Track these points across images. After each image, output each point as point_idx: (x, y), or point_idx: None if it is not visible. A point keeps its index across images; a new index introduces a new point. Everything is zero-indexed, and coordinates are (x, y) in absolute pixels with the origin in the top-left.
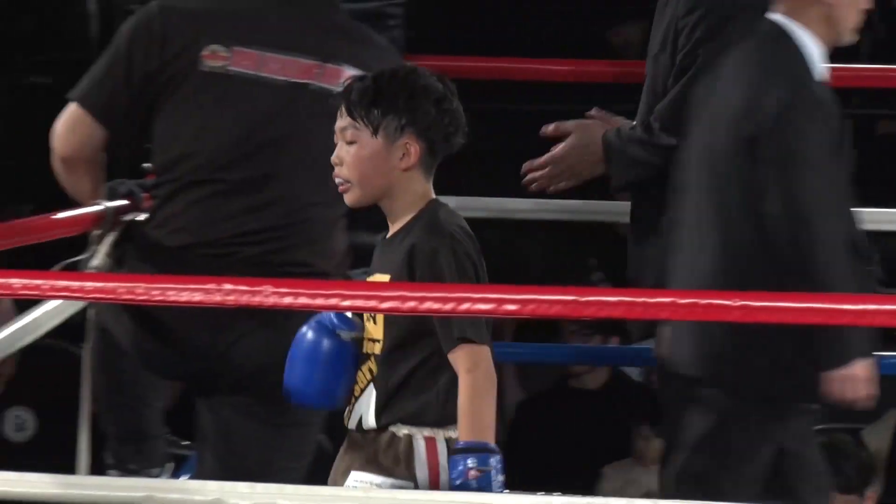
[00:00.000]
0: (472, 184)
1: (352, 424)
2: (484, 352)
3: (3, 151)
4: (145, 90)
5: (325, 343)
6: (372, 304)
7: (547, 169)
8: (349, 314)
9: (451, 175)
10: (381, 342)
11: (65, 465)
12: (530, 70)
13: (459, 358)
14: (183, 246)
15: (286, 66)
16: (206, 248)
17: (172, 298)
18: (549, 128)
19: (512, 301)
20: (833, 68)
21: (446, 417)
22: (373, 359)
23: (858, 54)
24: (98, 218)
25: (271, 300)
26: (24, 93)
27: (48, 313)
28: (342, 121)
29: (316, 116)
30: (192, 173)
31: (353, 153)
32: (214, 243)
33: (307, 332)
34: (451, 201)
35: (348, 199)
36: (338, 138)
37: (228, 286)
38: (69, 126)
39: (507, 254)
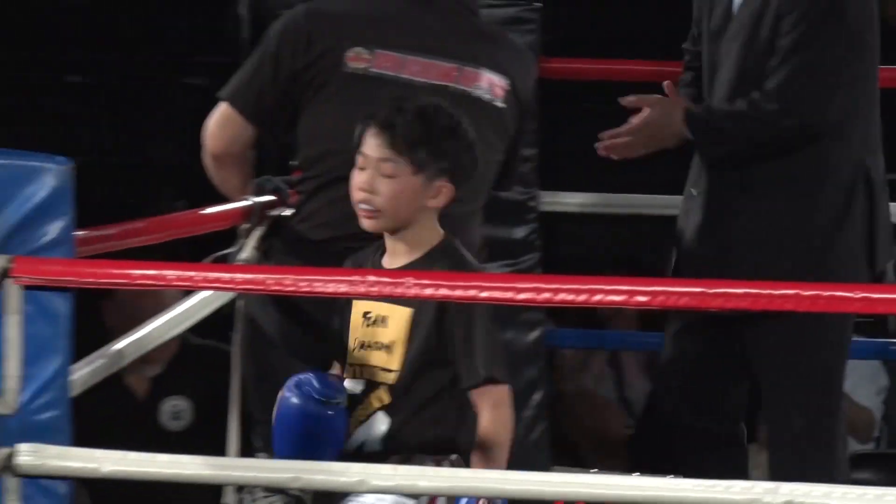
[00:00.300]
0: (604, 181)
1: (350, 448)
2: (507, 392)
3: (162, 151)
4: (291, 89)
5: (317, 415)
6: (508, 295)
7: (623, 139)
8: (330, 376)
9: (588, 173)
10: (398, 372)
11: (219, 454)
12: (660, 73)
13: (484, 396)
14: (326, 239)
15: (426, 69)
16: (349, 241)
17: (319, 289)
18: (631, 98)
19: (642, 292)
20: None
21: (453, 446)
22: (384, 388)
23: None
24: (246, 213)
25: (413, 291)
26: (179, 93)
27: (199, 303)
28: (382, 151)
29: None
30: (335, 170)
31: (390, 187)
32: (356, 237)
33: (293, 406)
34: (593, 199)
35: (371, 225)
36: (370, 165)
37: (372, 278)
38: (220, 124)
39: (658, 248)
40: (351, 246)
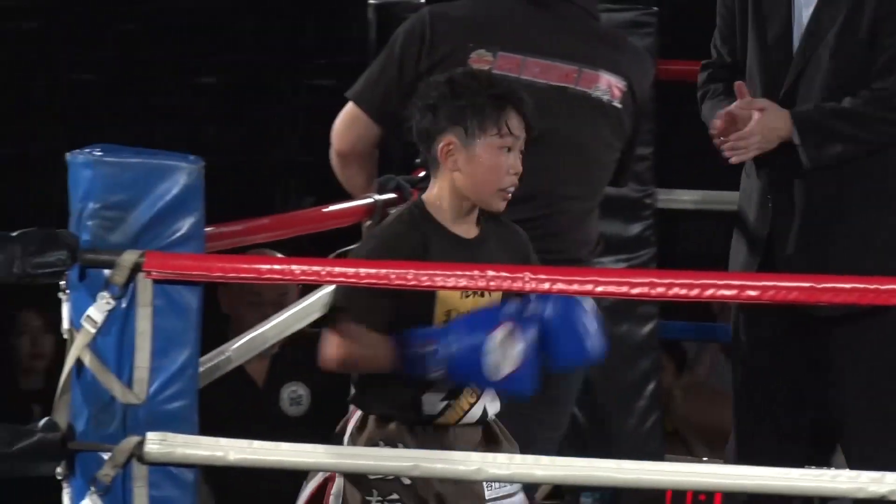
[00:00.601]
0: (719, 179)
1: (472, 418)
2: None
3: (291, 150)
4: (415, 90)
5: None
6: (623, 289)
7: (737, 141)
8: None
9: (703, 171)
10: None
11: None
12: None
13: None
14: None
15: (547, 70)
16: None
17: (440, 284)
18: (744, 102)
19: (753, 287)
20: None
21: None
22: None
23: None
24: (369, 210)
25: (530, 286)
26: (308, 94)
27: (323, 297)
28: (523, 131)
29: (574, 118)
30: None
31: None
32: None
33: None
34: (706, 196)
35: (505, 207)
36: (517, 146)
37: (491, 272)
38: (346, 123)
39: None
40: None
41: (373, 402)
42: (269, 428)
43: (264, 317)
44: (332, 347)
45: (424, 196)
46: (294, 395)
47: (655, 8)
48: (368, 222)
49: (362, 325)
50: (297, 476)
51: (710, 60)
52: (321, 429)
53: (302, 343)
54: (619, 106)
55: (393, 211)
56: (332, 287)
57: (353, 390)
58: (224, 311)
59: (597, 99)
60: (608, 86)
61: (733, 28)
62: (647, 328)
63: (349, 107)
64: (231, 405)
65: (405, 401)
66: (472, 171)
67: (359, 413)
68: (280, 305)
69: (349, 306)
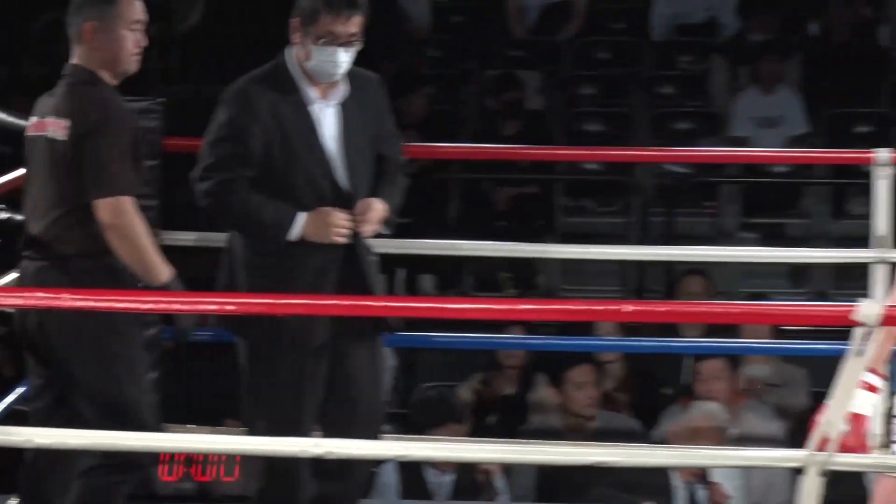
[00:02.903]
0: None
1: None
2: None
3: None
4: None
5: None
6: (136, 305)
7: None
8: None
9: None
10: None
11: None
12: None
13: None
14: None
15: (34, 124)
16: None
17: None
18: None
19: (231, 303)
20: None
21: None
22: None
23: None
24: None
25: (68, 303)
26: None
27: None
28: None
29: (37, 155)
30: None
31: None
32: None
33: None
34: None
35: None
36: None
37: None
38: None
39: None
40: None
41: None
42: None
43: None
44: None
45: None
46: None
47: (161, 99)
48: None
49: None
50: None
51: (230, 175)
52: None
53: None
54: (64, 139)
55: None
56: None
57: None
58: None
59: (50, 139)
60: (56, 127)
61: (252, 152)
62: (152, 330)
63: None
64: None
65: None
66: None
67: None
68: None
69: None
